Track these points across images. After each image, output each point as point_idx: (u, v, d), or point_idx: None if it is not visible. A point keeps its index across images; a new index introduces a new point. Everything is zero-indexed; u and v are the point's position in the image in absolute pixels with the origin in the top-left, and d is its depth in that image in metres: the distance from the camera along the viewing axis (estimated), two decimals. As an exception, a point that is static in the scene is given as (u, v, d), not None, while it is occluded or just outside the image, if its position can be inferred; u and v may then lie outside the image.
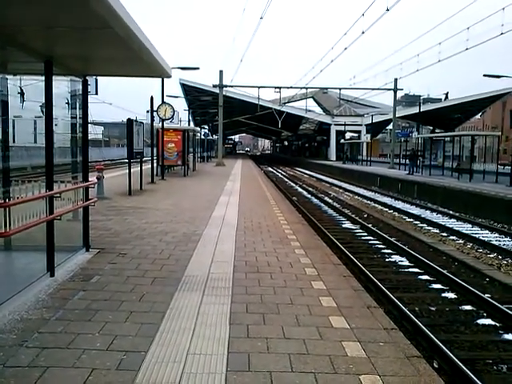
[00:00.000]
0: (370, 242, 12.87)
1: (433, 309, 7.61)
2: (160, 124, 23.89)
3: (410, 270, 9.96)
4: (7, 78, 6.30)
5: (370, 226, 14.78)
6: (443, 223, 16.09)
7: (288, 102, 57.93)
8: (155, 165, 23.16)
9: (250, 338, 4.24)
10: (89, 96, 7.53)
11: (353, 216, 17.06)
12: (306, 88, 48.81)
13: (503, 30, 20.77)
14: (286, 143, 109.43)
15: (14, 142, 7.02)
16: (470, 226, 15.93)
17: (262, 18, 27.23)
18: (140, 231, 9.22)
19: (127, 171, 16.73)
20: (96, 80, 15.46)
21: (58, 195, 6.08)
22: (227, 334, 4.30)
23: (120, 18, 4.37)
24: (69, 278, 5.98)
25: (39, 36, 5.15)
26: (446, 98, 65.45)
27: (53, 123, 5.98)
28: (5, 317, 4.55)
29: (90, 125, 7.70)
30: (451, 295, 8.29)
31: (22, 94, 6.24)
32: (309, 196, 25.19)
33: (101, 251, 7.42)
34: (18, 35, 4.99)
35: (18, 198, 5.51)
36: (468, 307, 7.67)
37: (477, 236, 13.74)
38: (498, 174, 24.27)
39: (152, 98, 21.55)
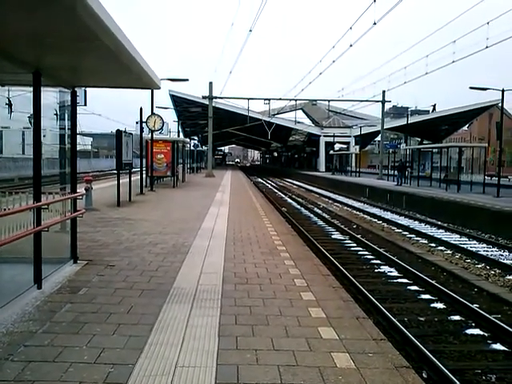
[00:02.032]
0: (360, 252, 12.91)
1: (422, 319, 7.63)
2: (149, 135, 23.88)
3: (399, 280, 10.00)
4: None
5: (359, 236, 14.83)
6: (431, 234, 16.20)
7: (277, 114, 58.24)
8: (144, 176, 23.10)
9: (238, 350, 4.22)
10: (77, 107, 7.52)
11: (342, 227, 17.12)
12: (295, 100, 49.13)
13: (488, 43, 21.14)
14: (275, 154, 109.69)
15: (1, 153, 6.99)
16: (458, 236, 16.05)
17: (251, 30, 27.50)
18: (128, 243, 9.17)
19: (116, 182, 16.66)
20: (85, 91, 15.48)
21: (46, 207, 6.04)
22: (216, 346, 4.28)
23: (109, 30, 4.39)
24: (56, 290, 5.92)
25: (28, 47, 5.14)
26: (434, 109, 66.28)
27: (41, 134, 5.95)
28: (-10, 330, 4.48)
29: (78, 136, 7.69)
30: (440, 305, 8.33)
31: (9, 105, 6.21)
32: (298, 207, 25.24)
33: (89, 263, 7.36)
34: (7, 46, 4.98)
35: (4, 209, 5.46)
36: (457, 317, 7.71)
37: (465, 246, 13.85)
38: (485, 185, 24.54)
39: (141, 109, 21.57)
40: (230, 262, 7.71)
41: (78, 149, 7.61)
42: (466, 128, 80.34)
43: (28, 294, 5.55)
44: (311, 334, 4.64)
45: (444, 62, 25.43)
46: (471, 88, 27.94)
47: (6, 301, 5.07)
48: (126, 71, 6.05)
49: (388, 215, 21.72)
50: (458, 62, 24.18)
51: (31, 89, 5.78)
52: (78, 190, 7.52)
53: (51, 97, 6.92)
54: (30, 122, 6.01)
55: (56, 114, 7.13)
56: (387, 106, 51.87)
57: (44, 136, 6.29)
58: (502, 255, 12.99)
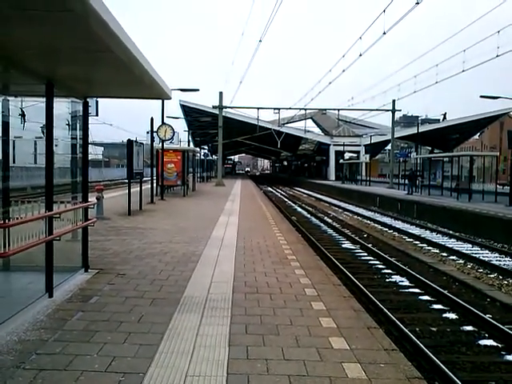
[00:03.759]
0: (370, 262, 12.83)
1: (434, 329, 7.55)
2: (160, 145, 24.02)
3: (411, 290, 9.91)
4: (8, 100, 6.36)
5: (369, 246, 14.75)
6: (443, 243, 16.05)
7: (287, 123, 58.34)
8: (155, 185, 23.21)
9: (249, 360, 4.21)
10: (89, 117, 7.60)
11: (352, 236, 17.04)
12: (305, 109, 49.17)
13: (499, 52, 21.09)
14: (285, 163, 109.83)
15: (14, 162, 7.05)
16: (470, 245, 15.89)
17: (260, 40, 27.68)
18: (139, 251, 9.20)
19: (127, 191, 16.76)
20: (96, 101, 15.60)
21: (58, 216, 6.09)
22: (226, 356, 4.27)
23: (120, 41, 4.44)
24: (67, 298, 5.95)
25: (41, 59, 5.22)
26: (444, 118, 65.87)
27: (53, 144, 6.02)
28: (3, 338, 4.52)
29: (90, 145, 7.75)
30: (452, 316, 8.23)
31: (23, 115, 6.29)
32: (308, 216, 25.18)
33: (100, 271, 7.40)
34: (21, 58, 5.07)
35: (17, 218, 5.51)
36: (469, 328, 7.62)
37: (477, 256, 13.70)
38: (497, 194, 24.30)
39: (152, 119, 21.73)
40: (240, 271, 7.70)
41: (89, 158, 7.67)
42: (476, 137, 79.80)
43: (39, 303, 5.59)
44: (322, 344, 4.61)
45: (454, 71, 25.37)
46: (482, 97, 27.80)
47: (17, 309, 5.11)
48: (137, 82, 6.12)
49: (399, 224, 21.58)
50: (469, 70, 24.15)
51: (43, 99, 5.86)
52: (89, 199, 7.58)
53: (63, 107, 7.00)
54: (43, 132, 6.08)
55: (68, 124, 7.20)
56: (397, 114, 51.72)
57: (56, 146, 6.35)
58: (514, 265, 12.82)
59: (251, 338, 4.71)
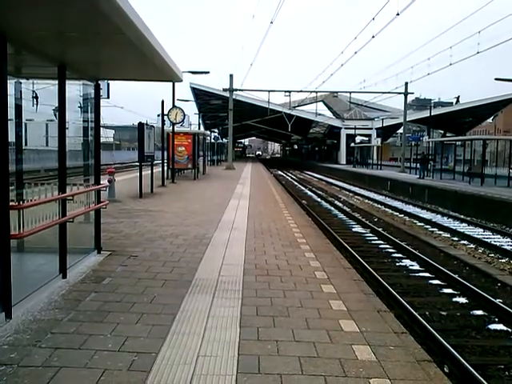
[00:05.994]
0: (381, 246, 12.83)
1: (443, 313, 7.57)
2: (171, 128, 24.03)
3: (421, 274, 9.91)
4: (21, 82, 6.38)
5: (380, 229, 14.72)
6: (454, 227, 15.99)
7: (298, 106, 57.98)
8: (166, 168, 23.28)
9: (260, 341, 4.25)
10: (101, 100, 7.60)
11: (363, 220, 17.01)
12: (316, 92, 48.80)
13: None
14: (295, 147, 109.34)
15: (26, 144, 7.10)
16: (482, 230, 15.81)
17: (272, 22, 27.41)
18: (151, 234, 9.28)
19: (138, 174, 16.84)
20: (108, 84, 15.55)
21: (71, 198, 6.14)
22: (237, 337, 4.32)
23: (132, 23, 4.42)
24: (81, 279, 6.04)
25: (53, 41, 5.21)
26: (458, 101, 65.01)
27: (65, 127, 6.04)
28: (18, 317, 4.61)
29: (101, 128, 7.76)
30: (462, 300, 8.24)
31: (36, 97, 6.32)
32: (318, 199, 25.15)
33: (112, 253, 7.48)
34: (33, 41, 5.06)
35: (31, 200, 5.58)
36: (479, 312, 7.62)
37: (488, 240, 13.64)
38: (510, 179, 24.07)
39: (163, 102, 21.70)
40: (251, 253, 7.75)
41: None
42: (490, 120, 78.88)
43: (54, 283, 5.68)
44: (332, 326, 4.65)
45: (469, 53, 24.91)
46: (496, 79, 27.39)
47: (32, 289, 5.20)
48: (148, 64, 6.10)
49: (410, 209, 21.49)
50: (484, 53, 23.75)
51: (54, 82, 5.87)
52: (101, 182, 7.63)
53: (75, 89, 7.01)
54: (55, 115, 6.10)
55: (80, 107, 7.22)
56: (410, 97, 51.17)
57: (67, 128, 6.37)
58: (526, 250, 12.74)
59: (262, 320, 4.76)
